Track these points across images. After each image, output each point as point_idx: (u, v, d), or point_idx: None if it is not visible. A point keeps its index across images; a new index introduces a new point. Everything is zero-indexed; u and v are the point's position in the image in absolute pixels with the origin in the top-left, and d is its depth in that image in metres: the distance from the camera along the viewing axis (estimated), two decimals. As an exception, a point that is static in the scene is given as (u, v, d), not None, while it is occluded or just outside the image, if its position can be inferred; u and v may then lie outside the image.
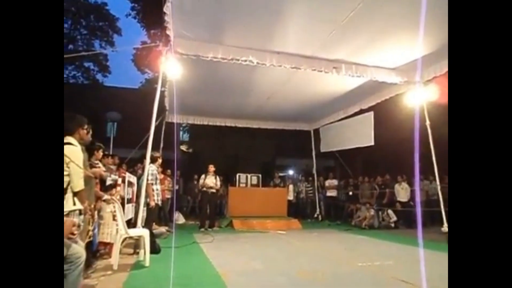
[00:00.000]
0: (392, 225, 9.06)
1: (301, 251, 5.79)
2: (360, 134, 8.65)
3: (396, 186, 9.82)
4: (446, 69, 5.67)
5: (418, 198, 6.34)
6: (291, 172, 19.23)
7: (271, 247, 6.07)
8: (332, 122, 10.19)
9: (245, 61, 5.40)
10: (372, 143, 8.24)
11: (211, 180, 8.47)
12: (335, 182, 11.73)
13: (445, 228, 5.87)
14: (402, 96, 6.98)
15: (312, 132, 11.59)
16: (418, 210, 7.42)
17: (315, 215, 11.21)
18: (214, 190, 8.55)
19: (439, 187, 6.45)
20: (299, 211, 11.49)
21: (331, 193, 11.48)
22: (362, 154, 13.53)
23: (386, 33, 5.06)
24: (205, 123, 10.53)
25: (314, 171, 11.75)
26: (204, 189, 8.48)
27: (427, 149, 5.88)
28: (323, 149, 11.08)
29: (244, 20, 4.81)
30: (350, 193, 11.36)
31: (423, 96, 6.15)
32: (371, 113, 8.31)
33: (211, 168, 8.57)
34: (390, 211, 9.26)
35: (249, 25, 4.91)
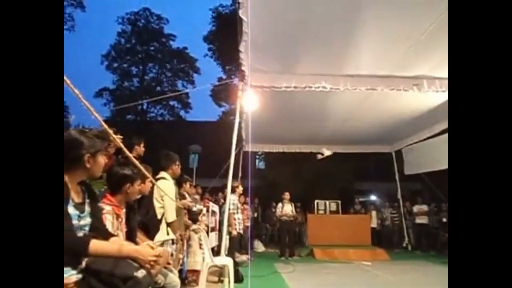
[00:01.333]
0: (502, 257, 7.74)
1: (392, 287, 5.29)
2: (451, 153, 7.79)
3: (503, 211, 8.48)
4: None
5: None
6: (372, 197, 18.09)
7: (357, 280, 5.67)
8: (416, 142, 9.42)
9: (318, 87, 5.40)
10: (467, 163, 7.33)
11: (289, 208, 8.43)
12: (425, 207, 10.62)
13: None
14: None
15: (393, 153, 10.84)
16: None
17: (404, 245, 10.24)
18: (292, 218, 8.47)
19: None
20: (384, 239, 10.64)
21: (421, 219, 10.39)
22: (455, 176, 12.10)
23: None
24: (280, 150, 10.64)
25: (399, 196, 10.85)
26: (284, 218, 8.45)
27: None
28: (407, 171, 10.24)
29: (315, 48, 4.86)
30: (444, 219, 10.15)
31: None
32: (463, 130, 7.47)
33: (287, 195, 8.55)
34: (497, 241, 7.97)
35: (320, 53, 4.94)
